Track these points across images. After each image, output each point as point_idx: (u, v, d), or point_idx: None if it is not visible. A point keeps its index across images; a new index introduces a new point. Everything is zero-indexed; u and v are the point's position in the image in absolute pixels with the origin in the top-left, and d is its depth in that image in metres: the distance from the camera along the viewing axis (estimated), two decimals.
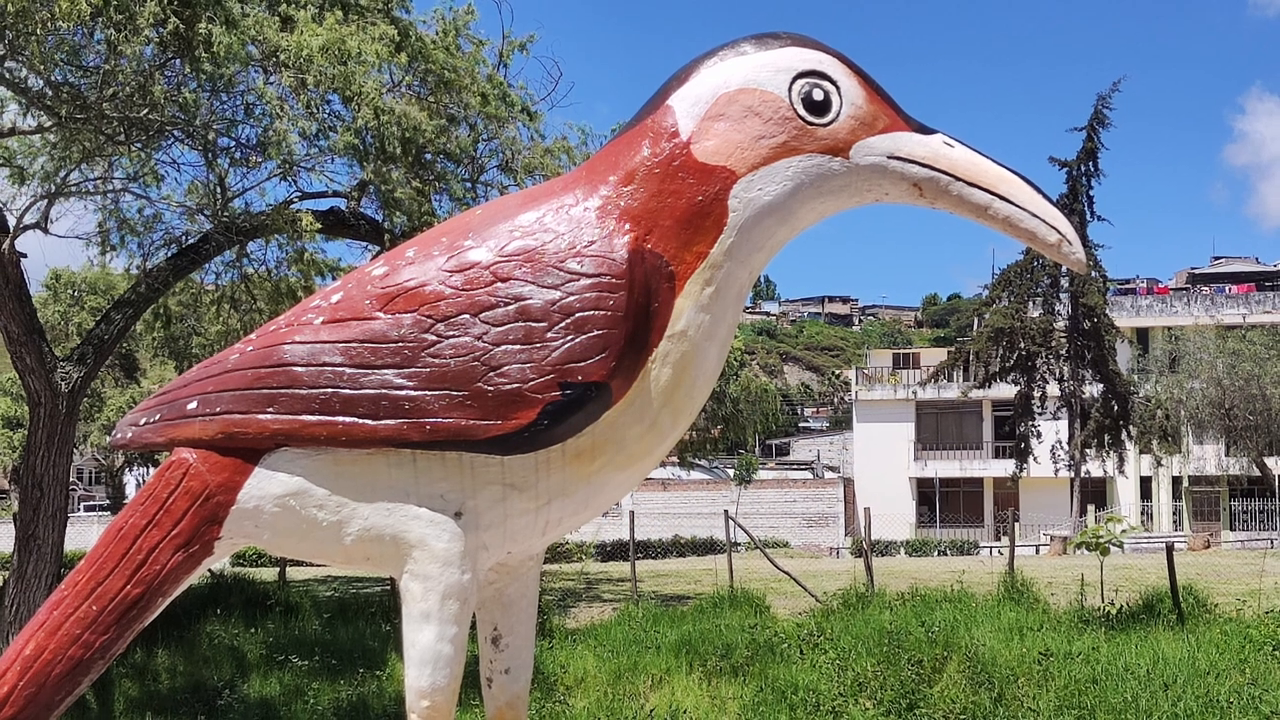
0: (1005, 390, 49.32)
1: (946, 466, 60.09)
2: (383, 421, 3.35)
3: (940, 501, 59.92)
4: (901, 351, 79.35)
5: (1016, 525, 19.48)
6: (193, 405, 3.55)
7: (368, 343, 3.40)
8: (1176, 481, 54.18)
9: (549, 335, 3.30)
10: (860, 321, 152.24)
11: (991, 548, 42.31)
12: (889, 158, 3.43)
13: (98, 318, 17.68)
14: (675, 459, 47.79)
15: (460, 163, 15.67)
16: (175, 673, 13.64)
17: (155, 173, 14.02)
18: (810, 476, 63.70)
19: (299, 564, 21.28)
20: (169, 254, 15.81)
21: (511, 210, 3.54)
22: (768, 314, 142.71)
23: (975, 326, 57.17)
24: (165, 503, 3.51)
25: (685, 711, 11.84)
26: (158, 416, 3.62)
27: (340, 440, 3.40)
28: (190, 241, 15.62)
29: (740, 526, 20.43)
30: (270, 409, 3.44)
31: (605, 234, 3.38)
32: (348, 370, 3.39)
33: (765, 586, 17.11)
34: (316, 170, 14.62)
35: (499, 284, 3.36)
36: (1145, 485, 54.67)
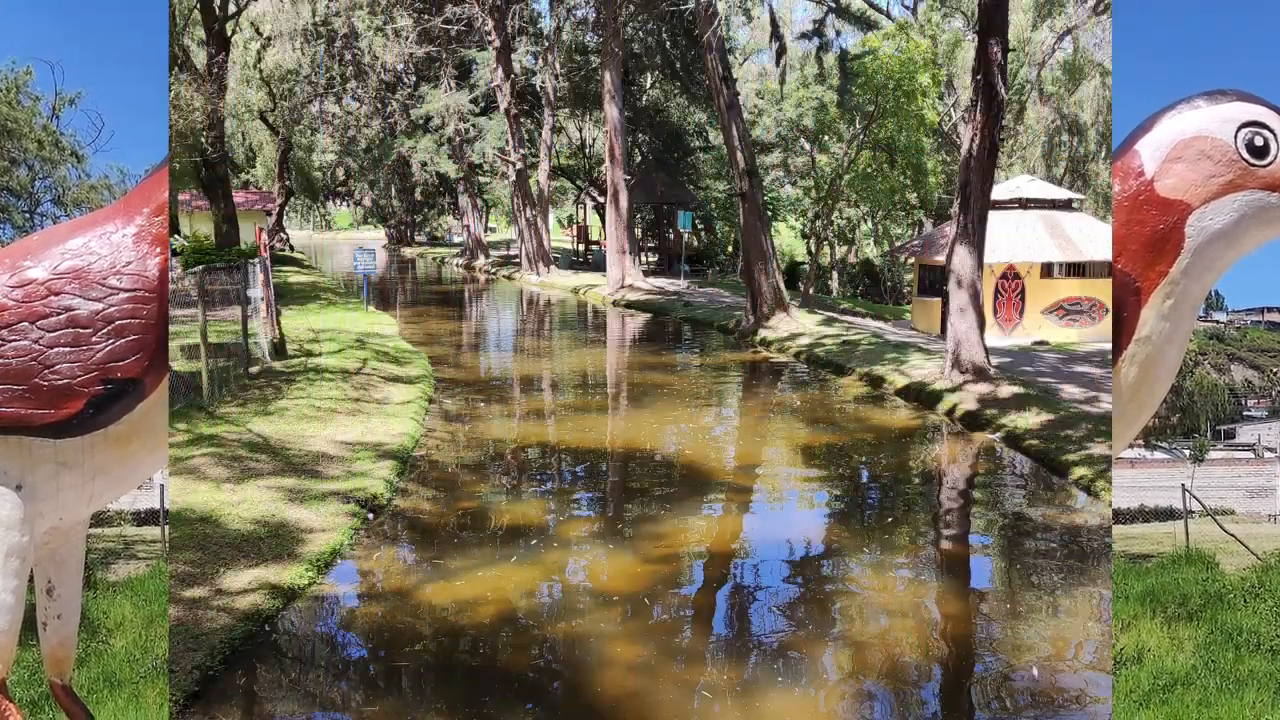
0: None
1: None
2: None
3: None
4: None
5: None
6: None
7: None
8: None
9: (94, 340, 3.37)
10: None
11: None
12: None
13: None
14: (1140, 441, 45.34)
15: (20, 197, 14.96)
16: None
17: None
18: (1252, 456, 61.79)
19: None
20: None
21: (63, 236, 3.56)
22: (1217, 322, 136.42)
23: None
24: None
25: (1149, 650, 10.67)
26: None
27: None
28: None
29: (1194, 497, 19.93)
30: None
31: (140, 256, 3.48)
32: None
33: (1215, 546, 16.67)
34: None
35: (52, 297, 3.39)
36: None
